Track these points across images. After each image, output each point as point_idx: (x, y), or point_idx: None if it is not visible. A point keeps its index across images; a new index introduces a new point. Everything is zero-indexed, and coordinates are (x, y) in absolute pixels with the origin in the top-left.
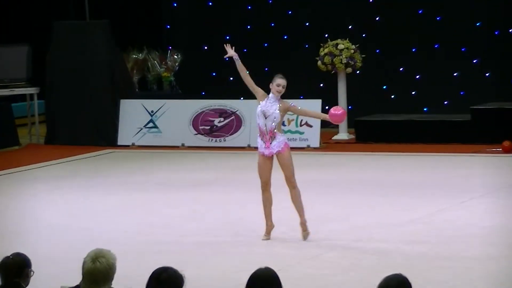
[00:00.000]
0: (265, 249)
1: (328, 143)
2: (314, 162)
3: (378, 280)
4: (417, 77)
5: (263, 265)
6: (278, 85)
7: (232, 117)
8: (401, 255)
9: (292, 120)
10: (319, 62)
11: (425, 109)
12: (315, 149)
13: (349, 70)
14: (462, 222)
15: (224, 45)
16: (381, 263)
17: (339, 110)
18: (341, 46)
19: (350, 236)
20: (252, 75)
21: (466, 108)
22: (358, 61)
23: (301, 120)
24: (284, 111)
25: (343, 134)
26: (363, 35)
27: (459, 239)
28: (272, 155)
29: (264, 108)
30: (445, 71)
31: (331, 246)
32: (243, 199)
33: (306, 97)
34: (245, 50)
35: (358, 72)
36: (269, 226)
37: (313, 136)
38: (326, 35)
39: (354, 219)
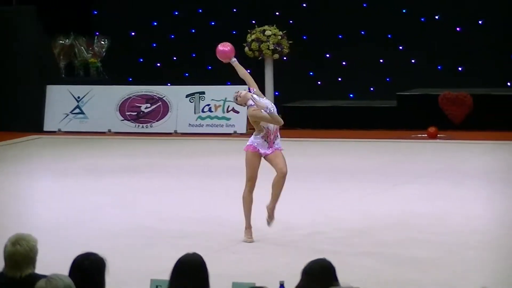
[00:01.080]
0: (192, 236)
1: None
2: (240, 148)
3: (296, 264)
4: (344, 63)
5: (191, 251)
6: (236, 98)
7: (159, 103)
8: (328, 240)
9: (219, 106)
10: (246, 48)
11: (351, 95)
12: (241, 134)
13: (276, 56)
14: (390, 207)
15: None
16: (306, 248)
17: (226, 47)
18: (268, 33)
19: (284, 222)
20: (179, 62)
21: (392, 94)
22: (285, 47)
23: (228, 106)
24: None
25: None
26: (290, 22)
27: (385, 224)
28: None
29: (270, 106)
30: (371, 58)
31: (261, 232)
32: (171, 185)
33: (233, 83)
34: (172, 37)
35: (285, 58)
36: (250, 225)
37: (240, 122)
38: (253, 21)
39: (280, 206)
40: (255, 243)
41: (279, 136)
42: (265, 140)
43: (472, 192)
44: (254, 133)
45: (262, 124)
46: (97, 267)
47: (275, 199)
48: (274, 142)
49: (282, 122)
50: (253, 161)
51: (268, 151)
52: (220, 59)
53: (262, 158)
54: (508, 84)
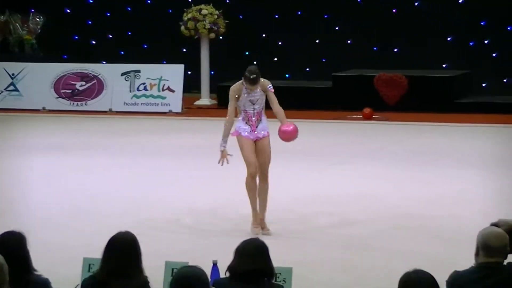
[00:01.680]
0: (124, 215)
1: (190, 108)
2: (176, 127)
3: (229, 244)
4: (280, 43)
5: (123, 230)
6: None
7: (94, 81)
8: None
9: (155, 85)
10: (182, 27)
11: (287, 75)
12: (177, 114)
13: (213, 35)
14: (324, 188)
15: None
16: (238, 228)
17: (289, 126)
18: (204, 12)
19: (208, 201)
20: (114, 40)
21: (328, 75)
22: (221, 26)
23: (163, 84)
24: (264, 90)
25: (205, 100)
26: (227, 1)
27: (319, 204)
28: (257, 140)
29: (249, 98)
30: (307, 38)
31: (189, 210)
32: (105, 164)
33: (169, 61)
34: (107, 14)
35: (221, 37)
36: (257, 213)
37: (175, 101)
38: (190, 0)
39: (215, 185)
40: (191, 224)
41: (263, 119)
42: (246, 123)
43: (406, 173)
44: (236, 118)
45: (239, 105)
46: (19, 242)
47: (263, 209)
48: (257, 126)
49: None
50: (245, 143)
51: (252, 136)
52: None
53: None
54: (444, 65)
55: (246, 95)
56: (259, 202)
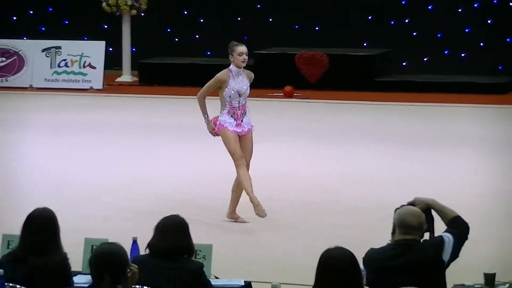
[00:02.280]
0: (44, 193)
1: (111, 85)
2: (97, 104)
3: (149, 221)
4: (201, 20)
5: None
6: (240, 54)
7: (14, 57)
8: (180, 196)
9: (76, 61)
10: (104, 4)
11: (208, 52)
12: (98, 90)
13: (134, 12)
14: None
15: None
16: (162, 205)
17: None
18: None
19: (128, 178)
20: (35, 15)
21: (249, 53)
22: (142, 3)
23: (85, 61)
24: (250, 82)
25: (126, 77)
26: None
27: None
28: (241, 134)
29: (237, 87)
30: (228, 15)
31: (109, 187)
32: (24, 140)
33: (90, 38)
34: None
35: (142, 14)
36: (257, 201)
37: (97, 77)
38: None
39: (135, 162)
40: (111, 201)
41: (247, 112)
42: (231, 116)
43: (324, 150)
44: (220, 111)
45: (225, 98)
46: (50, 218)
47: (234, 205)
48: (242, 120)
49: None
50: (231, 137)
51: (238, 130)
52: None
53: None
54: (364, 44)
55: (233, 81)
56: (235, 195)
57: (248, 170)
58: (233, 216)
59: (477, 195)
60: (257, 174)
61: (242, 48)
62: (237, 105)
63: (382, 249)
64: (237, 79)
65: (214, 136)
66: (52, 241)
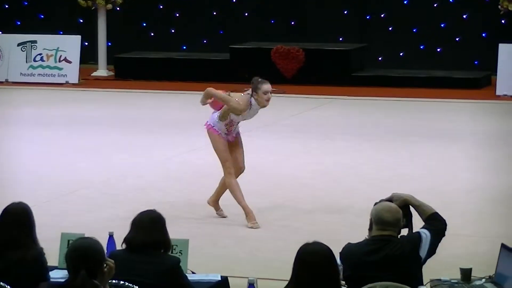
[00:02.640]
0: (20, 187)
1: (87, 80)
2: (73, 98)
3: (125, 215)
4: (176, 14)
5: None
6: (266, 93)
7: None
8: (157, 190)
9: (51, 55)
10: None
11: (183, 47)
12: (74, 85)
13: (110, 6)
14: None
15: None
16: (139, 199)
17: None
18: None
19: (104, 173)
20: (10, 9)
21: (225, 47)
22: None
23: (60, 55)
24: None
25: (102, 71)
26: None
27: (209, 177)
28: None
29: (247, 117)
30: (204, 9)
31: (84, 181)
32: (5, 134)
33: (66, 32)
34: None
35: (118, 8)
36: (249, 209)
37: (72, 72)
38: None
39: (110, 156)
40: (87, 195)
41: (238, 124)
42: (226, 128)
43: (300, 145)
44: (217, 116)
45: (231, 117)
46: (25, 212)
47: (219, 195)
48: (233, 130)
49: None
50: (221, 142)
51: (229, 137)
52: None
53: None
54: (340, 39)
55: (247, 114)
56: (219, 190)
57: (243, 169)
58: (215, 205)
59: (456, 190)
60: None
61: (268, 87)
62: (235, 121)
63: (359, 245)
64: (251, 112)
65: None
66: (28, 235)
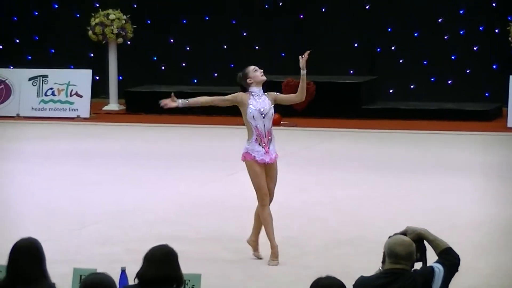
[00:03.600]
0: (31, 222)
1: (98, 114)
2: (84, 132)
3: (138, 250)
4: (187, 48)
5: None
6: (255, 70)
7: (1, 86)
8: (168, 224)
9: (62, 90)
10: (90, 32)
11: (194, 80)
12: (85, 119)
13: (120, 40)
14: (228, 195)
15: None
16: (150, 233)
17: None
18: (112, 16)
19: (115, 207)
20: (21, 44)
21: (236, 80)
22: (129, 31)
23: (72, 90)
24: (273, 99)
25: (113, 105)
26: (134, 6)
27: (221, 211)
28: (268, 163)
29: (259, 106)
30: (214, 43)
31: (96, 215)
32: (10, 169)
33: (76, 66)
34: (14, 19)
35: (129, 42)
36: (275, 247)
37: (83, 106)
38: (97, 5)
39: (123, 190)
40: (99, 230)
41: (273, 138)
42: (259, 144)
43: (312, 178)
44: (247, 139)
45: (250, 121)
46: (36, 248)
47: (258, 231)
48: (269, 147)
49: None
50: (259, 172)
51: (267, 159)
52: None
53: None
54: (351, 72)
55: (254, 101)
56: (257, 226)
57: (272, 198)
58: (254, 246)
59: (468, 222)
60: (245, 202)
61: (253, 66)
62: (263, 129)
63: (372, 278)
64: (259, 99)
65: (162, 104)
66: (38, 271)
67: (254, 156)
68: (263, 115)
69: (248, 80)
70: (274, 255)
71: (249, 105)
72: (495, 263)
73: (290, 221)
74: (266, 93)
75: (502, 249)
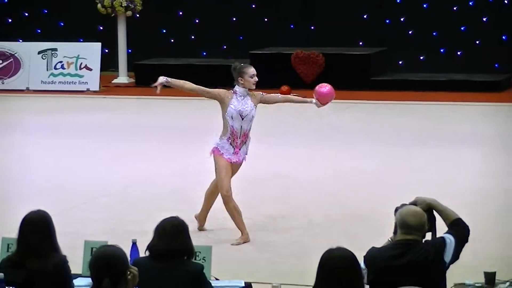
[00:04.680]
0: (42, 195)
1: (108, 87)
2: (94, 106)
3: (148, 223)
4: (196, 21)
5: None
6: (253, 76)
7: (10, 60)
8: (178, 197)
9: (72, 63)
10: (99, 5)
11: (203, 53)
12: (94, 92)
13: (129, 13)
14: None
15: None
16: (160, 206)
17: (325, 87)
18: None
19: (125, 180)
20: (30, 18)
21: (245, 53)
22: (138, 4)
23: (81, 63)
24: (257, 101)
25: (123, 78)
26: None
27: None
28: (234, 163)
29: (239, 107)
30: (223, 16)
31: (106, 189)
32: (20, 142)
33: (86, 40)
34: None
35: (138, 15)
36: (246, 234)
37: (93, 79)
38: None
39: (131, 164)
40: (109, 203)
41: (248, 142)
42: (230, 144)
43: (324, 150)
44: (220, 134)
45: (227, 120)
46: (46, 220)
47: (207, 211)
48: (240, 149)
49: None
50: (224, 167)
51: (234, 159)
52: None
53: None
54: (360, 43)
55: (235, 101)
56: (207, 204)
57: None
58: (201, 224)
59: (478, 194)
60: (255, 176)
61: (253, 70)
62: (239, 131)
63: (383, 249)
64: (241, 100)
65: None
66: (48, 244)
67: (222, 153)
68: (242, 117)
69: (239, 79)
70: (245, 239)
71: (230, 105)
72: (506, 234)
73: (297, 193)
74: (250, 93)
75: None
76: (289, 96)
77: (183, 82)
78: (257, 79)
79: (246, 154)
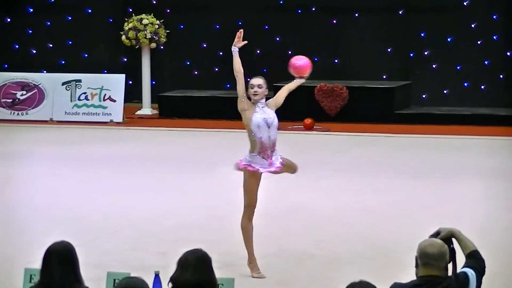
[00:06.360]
0: (64, 226)
1: (131, 118)
2: (117, 137)
3: (171, 254)
4: (220, 53)
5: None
6: (252, 86)
7: (34, 90)
8: (201, 229)
9: (96, 94)
10: (123, 37)
11: (227, 85)
12: (118, 123)
13: (154, 45)
14: (263, 200)
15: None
16: (183, 238)
17: (300, 60)
18: (145, 21)
19: (148, 211)
20: (54, 49)
21: (269, 85)
22: (162, 36)
23: (105, 94)
24: (274, 109)
25: (146, 109)
26: (167, 11)
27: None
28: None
29: (264, 115)
30: (247, 48)
31: (129, 220)
32: (45, 173)
33: (110, 71)
34: (48, 23)
35: (162, 47)
36: (255, 260)
37: (117, 110)
38: (130, 10)
39: (155, 195)
40: (132, 234)
41: (276, 150)
42: (262, 157)
43: (347, 183)
44: (249, 150)
45: (254, 132)
46: (70, 251)
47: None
48: (271, 158)
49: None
50: (252, 182)
51: (272, 169)
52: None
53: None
54: (384, 76)
55: (259, 111)
56: (249, 245)
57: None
58: (254, 270)
59: (500, 229)
60: (280, 209)
61: (256, 80)
62: (268, 141)
63: (408, 285)
64: (261, 109)
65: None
66: (72, 275)
67: (258, 168)
68: (269, 126)
69: (247, 92)
70: (255, 269)
71: (254, 115)
72: None
73: (320, 226)
74: (265, 103)
75: None
76: (285, 86)
77: (239, 63)
78: (257, 90)
79: (279, 158)
